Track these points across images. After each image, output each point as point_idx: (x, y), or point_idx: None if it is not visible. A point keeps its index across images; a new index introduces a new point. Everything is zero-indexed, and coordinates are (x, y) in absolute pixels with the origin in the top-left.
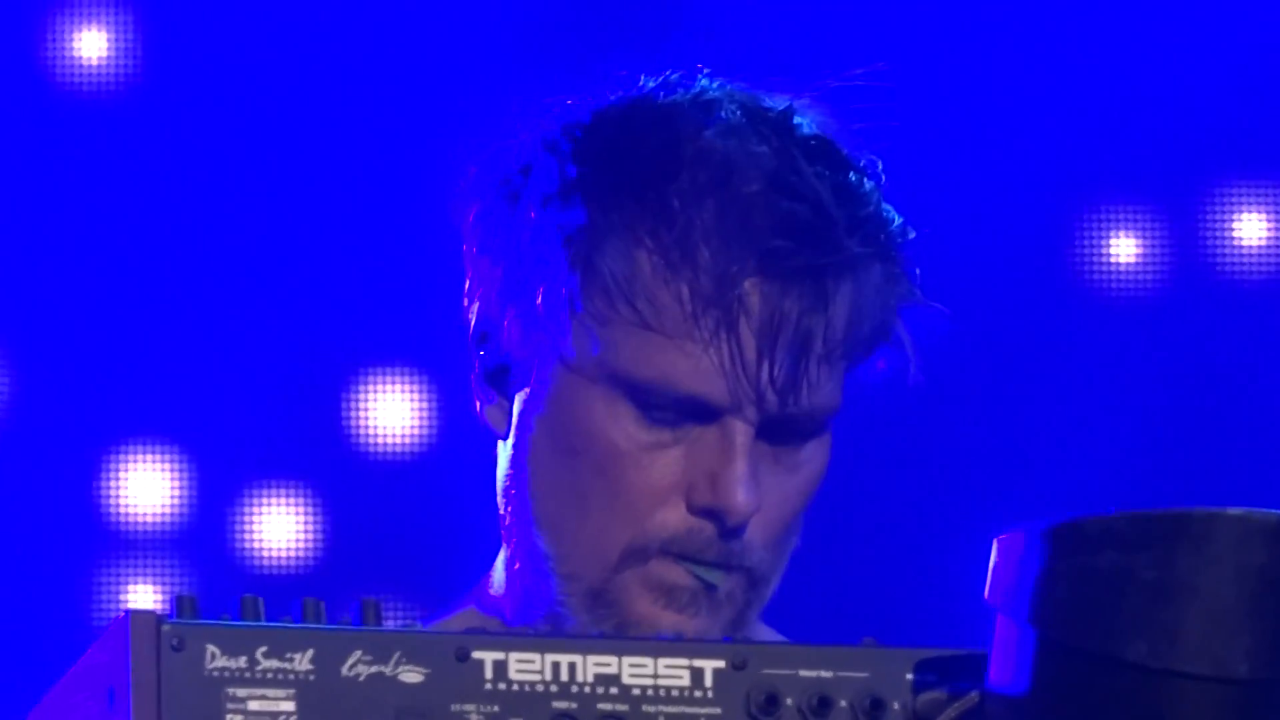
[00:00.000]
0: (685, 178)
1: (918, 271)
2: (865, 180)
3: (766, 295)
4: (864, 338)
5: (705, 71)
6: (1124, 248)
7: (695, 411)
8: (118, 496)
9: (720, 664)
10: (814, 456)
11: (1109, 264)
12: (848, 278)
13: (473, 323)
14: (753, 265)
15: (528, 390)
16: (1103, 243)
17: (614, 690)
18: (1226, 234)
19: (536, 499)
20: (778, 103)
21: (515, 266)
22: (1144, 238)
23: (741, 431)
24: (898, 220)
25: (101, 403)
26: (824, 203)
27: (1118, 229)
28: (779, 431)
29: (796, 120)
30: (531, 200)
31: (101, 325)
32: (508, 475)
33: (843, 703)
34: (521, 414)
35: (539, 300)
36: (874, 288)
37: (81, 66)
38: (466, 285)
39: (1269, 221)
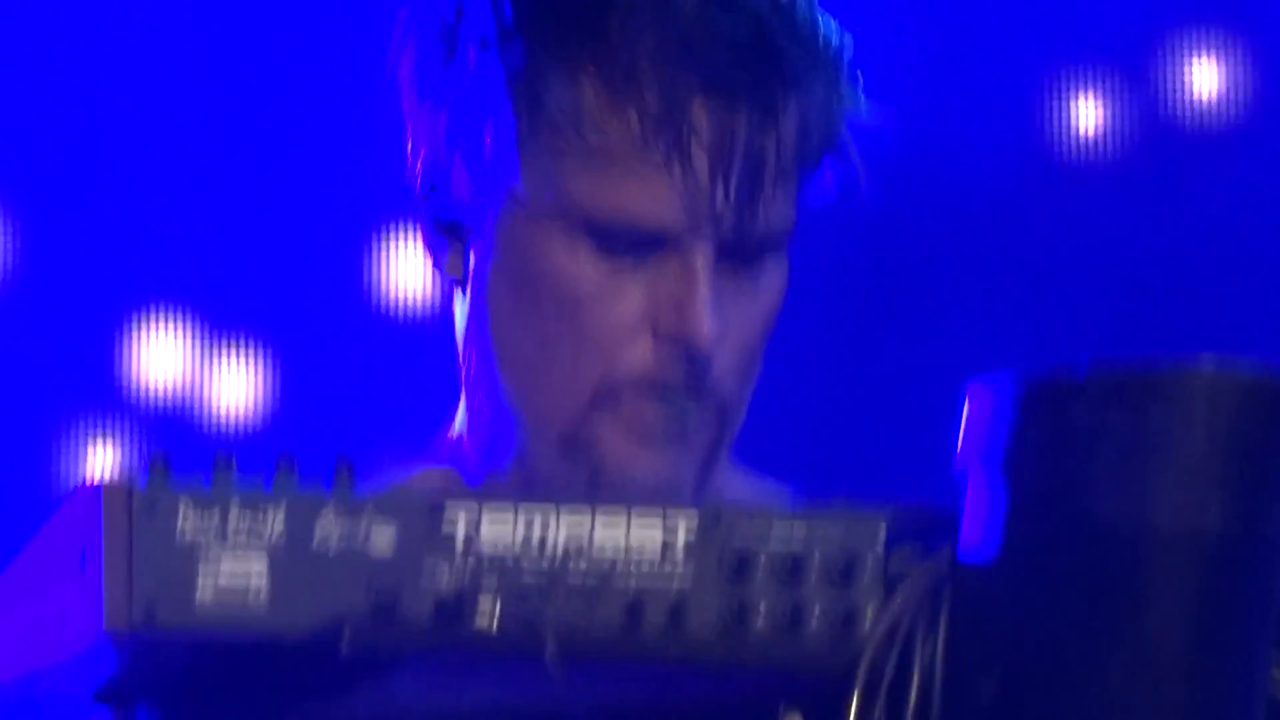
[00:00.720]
0: (622, 3)
1: (860, 80)
2: (819, 10)
3: (715, 114)
4: (813, 150)
5: None
6: (1087, 110)
7: (653, 240)
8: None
9: (690, 522)
10: (773, 280)
11: (1073, 129)
12: (793, 91)
13: (419, 176)
14: (698, 85)
15: (482, 238)
16: (1066, 105)
17: (584, 551)
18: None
19: (500, 346)
20: None
21: (458, 113)
22: (1104, 98)
23: (702, 254)
24: (838, 31)
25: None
26: (763, 17)
27: (1079, 90)
28: (737, 253)
29: None
30: (469, 43)
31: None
32: (468, 325)
33: (815, 563)
34: (478, 262)
35: (486, 144)
36: (819, 99)
37: None
38: (409, 139)
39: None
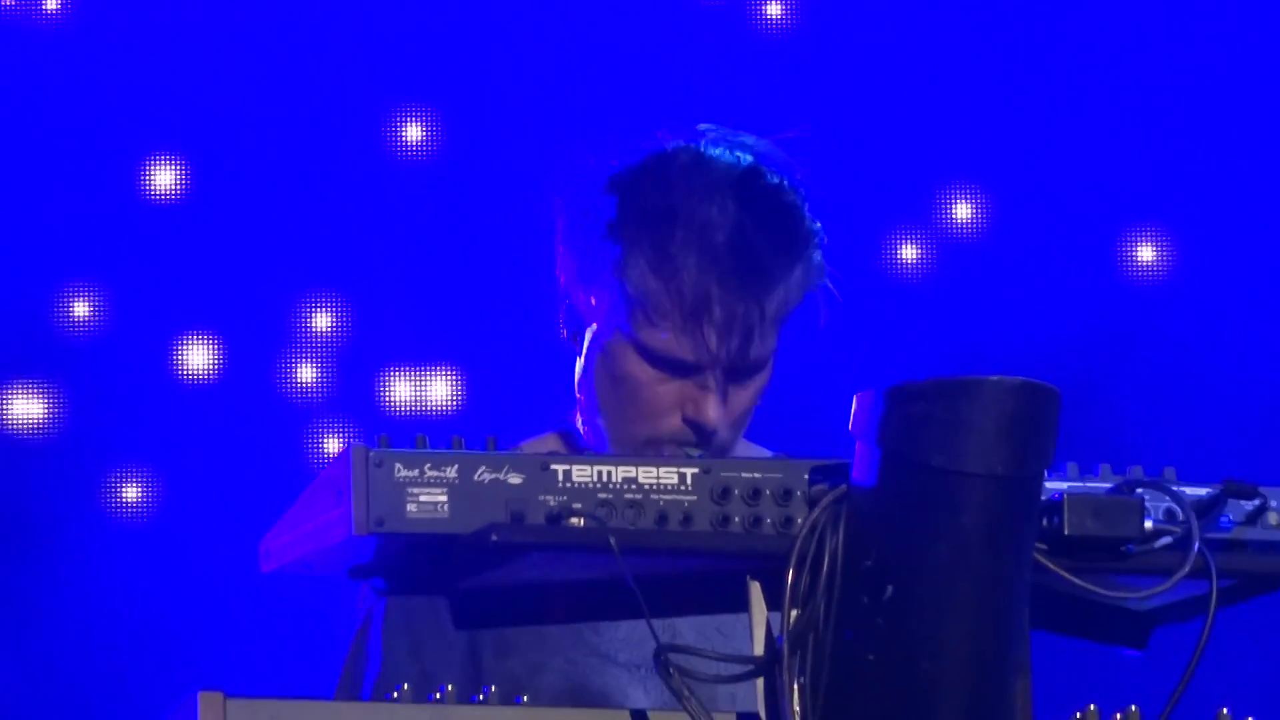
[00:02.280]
0: (680, 234)
1: (824, 264)
2: (801, 223)
3: (724, 305)
4: (787, 312)
5: (704, 130)
6: None
7: (684, 367)
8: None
9: (695, 470)
10: (758, 384)
11: None
12: (776, 288)
13: (561, 287)
14: (716, 290)
15: (591, 335)
16: None
17: (633, 485)
18: None
19: (598, 399)
20: (744, 160)
21: (580, 273)
22: None
23: (712, 378)
24: (817, 232)
25: None
26: (761, 253)
27: None
28: (735, 374)
29: (757, 178)
30: (591, 233)
31: None
32: (581, 379)
33: (767, 492)
34: (590, 346)
35: (593, 299)
36: (796, 283)
37: None
38: (557, 265)
39: None
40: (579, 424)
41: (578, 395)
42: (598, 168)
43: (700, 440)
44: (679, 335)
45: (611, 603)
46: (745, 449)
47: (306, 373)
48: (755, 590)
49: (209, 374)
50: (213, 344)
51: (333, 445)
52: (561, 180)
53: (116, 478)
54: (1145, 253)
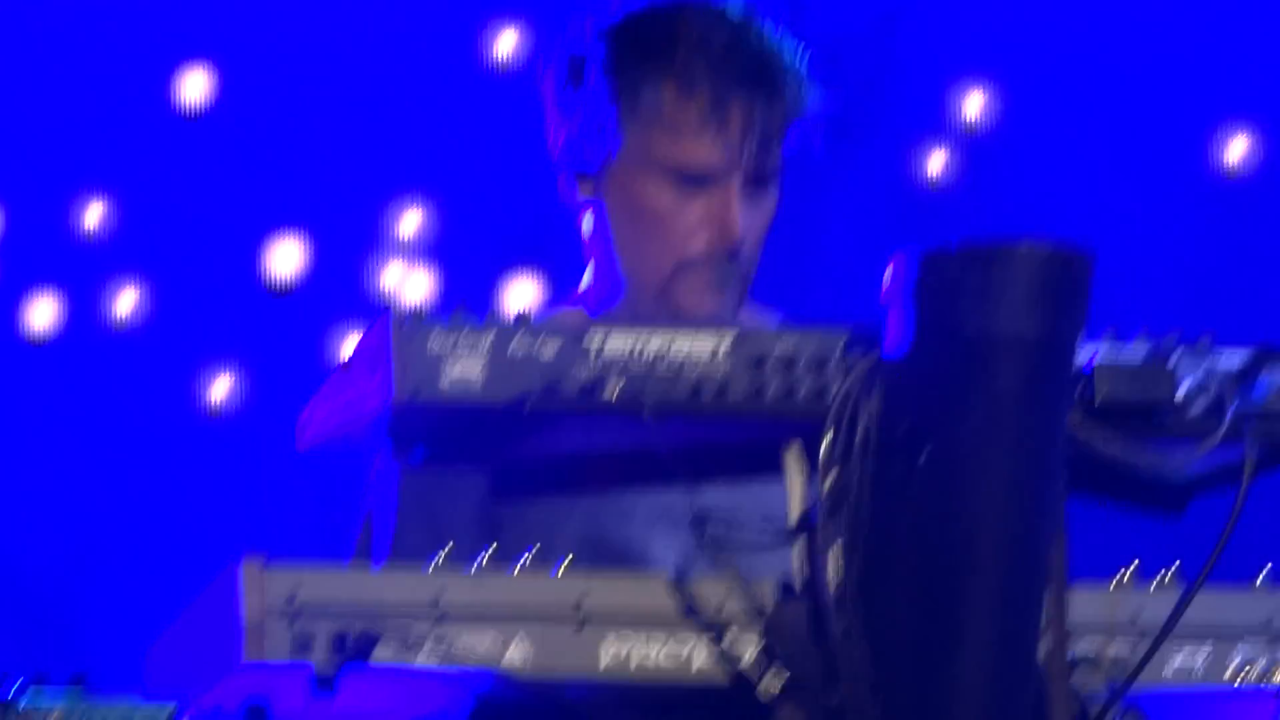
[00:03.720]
0: (699, 41)
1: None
2: (793, 45)
3: (740, 107)
4: (789, 123)
5: None
6: None
7: (705, 178)
8: None
9: (729, 339)
10: (770, 198)
11: None
12: (781, 93)
13: (559, 149)
14: (731, 91)
15: (607, 177)
16: None
17: (666, 356)
18: None
19: (618, 241)
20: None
21: (589, 111)
22: None
23: (733, 186)
24: (803, 53)
25: None
26: (765, 54)
27: None
28: (751, 184)
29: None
30: (592, 69)
31: None
32: (594, 229)
33: (802, 360)
34: (607, 190)
35: (607, 126)
36: (793, 94)
37: None
38: (550, 129)
39: None
40: (586, 289)
41: (588, 257)
42: (587, 25)
43: (729, 256)
44: (701, 140)
45: (646, 473)
46: (756, 312)
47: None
48: (792, 457)
49: (293, 279)
50: (300, 242)
51: None
52: (552, 46)
53: (204, 374)
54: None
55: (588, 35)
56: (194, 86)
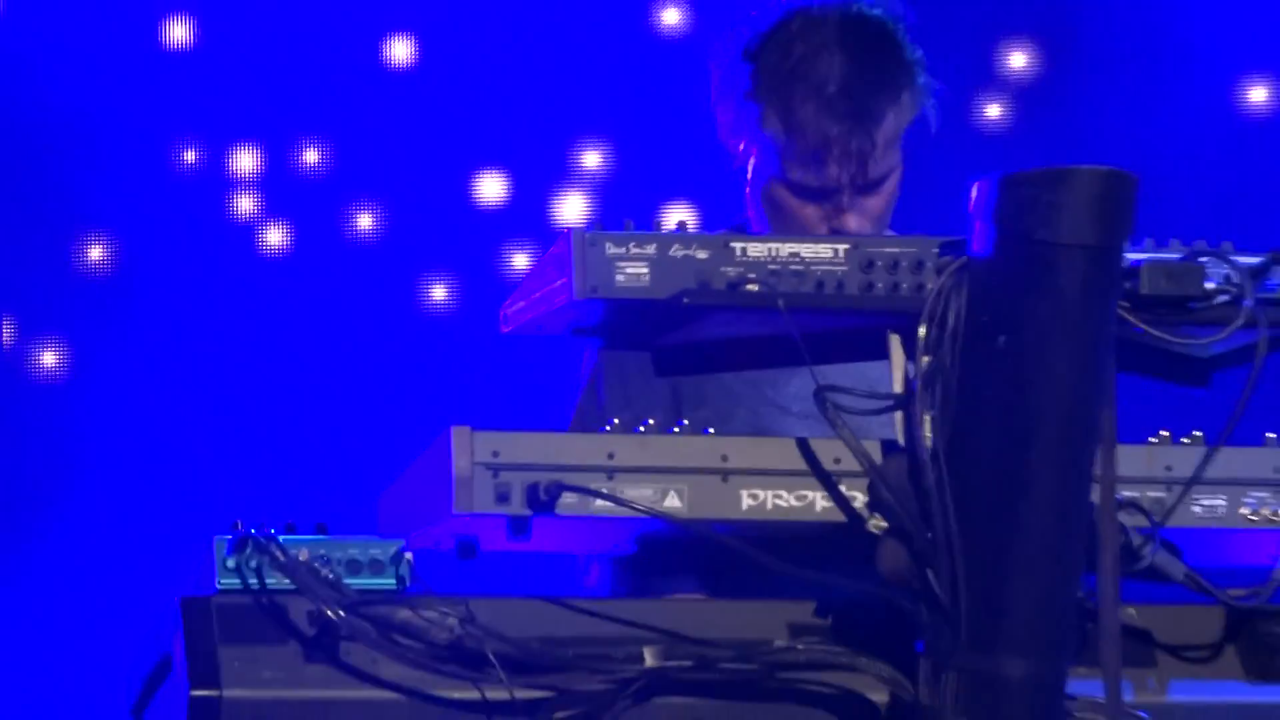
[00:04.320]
0: (800, 91)
1: (928, 85)
2: (901, 59)
3: (839, 143)
4: (899, 135)
5: None
6: None
7: (819, 194)
8: None
9: (845, 245)
10: (885, 190)
11: None
12: (885, 121)
13: (721, 135)
14: (833, 132)
15: (751, 169)
16: None
17: (797, 259)
18: None
19: (762, 218)
20: (850, 12)
21: (732, 127)
22: None
23: (845, 198)
24: (918, 60)
25: None
26: (866, 96)
27: None
28: (862, 190)
29: (862, 26)
30: (735, 97)
31: None
32: (749, 200)
33: (904, 263)
34: (751, 178)
35: (743, 146)
36: (901, 110)
37: None
38: (728, 140)
39: None
40: (743, 221)
41: (749, 213)
42: (736, 38)
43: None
44: (809, 170)
45: (779, 354)
46: None
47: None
48: (895, 341)
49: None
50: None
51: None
52: (712, 52)
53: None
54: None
55: (735, 50)
56: (401, 49)
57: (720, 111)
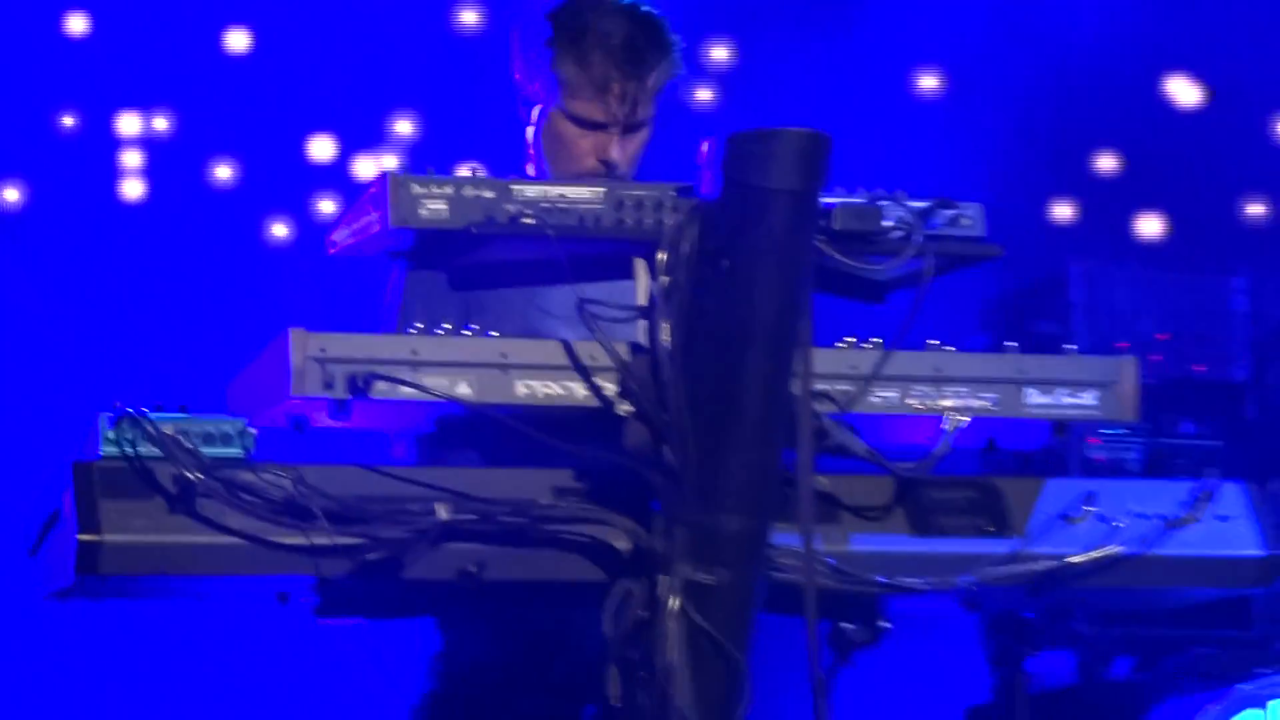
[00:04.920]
0: (590, 41)
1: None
2: (667, 34)
3: (620, 83)
4: (660, 90)
5: None
6: None
7: (597, 126)
8: None
9: (603, 189)
10: (641, 136)
11: None
12: (653, 73)
13: (518, 85)
14: (615, 74)
15: (538, 113)
16: None
17: (564, 198)
18: None
19: (543, 155)
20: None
21: (532, 72)
22: None
23: (614, 133)
24: (676, 41)
25: None
26: (642, 50)
27: None
28: (628, 130)
29: (638, 6)
30: (539, 45)
31: None
32: (533, 143)
33: (647, 203)
34: (538, 121)
35: (539, 87)
36: (663, 71)
37: None
38: (519, 79)
39: None
40: (530, 171)
41: (530, 153)
42: (539, 8)
43: (609, 173)
44: (592, 103)
45: (548, 274)
46: None
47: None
48: (640, 265)
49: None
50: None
51: None
52: (515, 23)
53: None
54: None
55: (539, 16)
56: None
57: (521, 63)
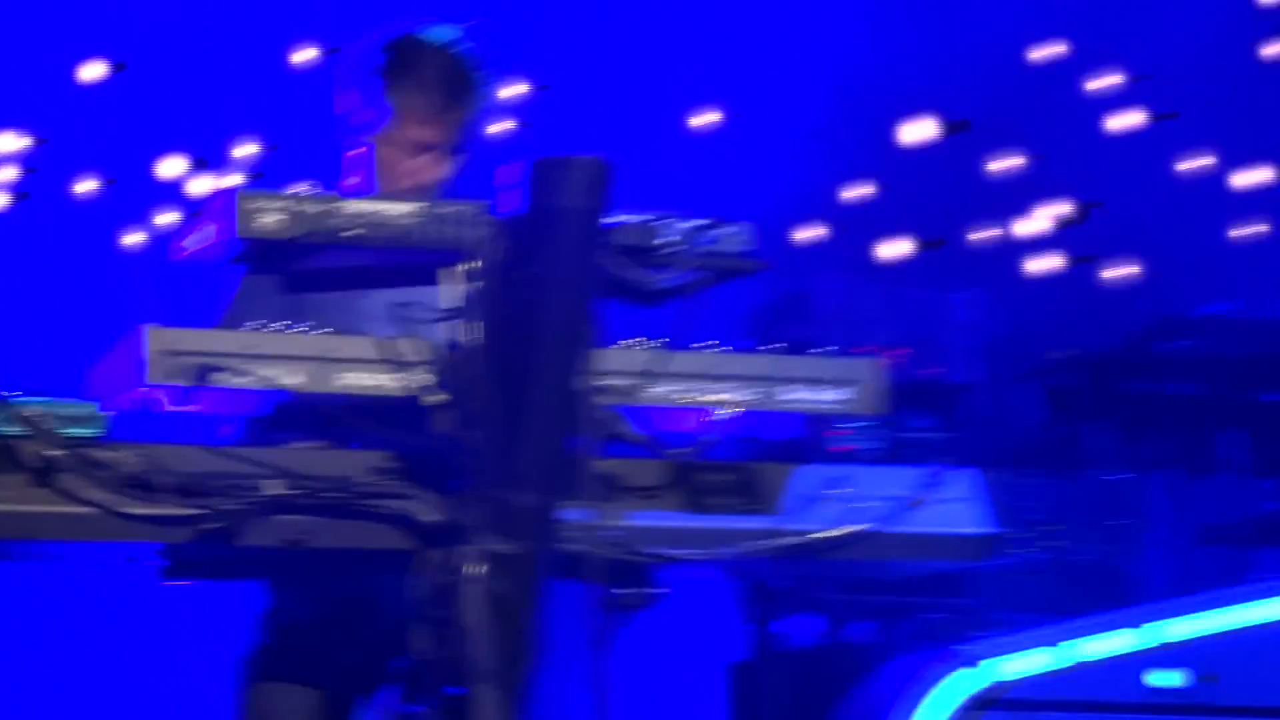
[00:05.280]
0: (428, 67)
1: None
2: (478, 71)
3: (441, 112)
4: (475, 117)
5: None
6: None
7: (422, 148)
8: None
9: (418, 206)
10: (460, 160)
11: None
12: (467, 106)
13: (352, 118)
14: (437, 104)
15: (368, 136)
16: None
17: (383, 216)
18: None
19: (375, 171)
20: (449, 38)
21: (366, 99)
22: None
23: (441, 154)
24: (485, 77)
25: None
26: (456, 87)
27: None
28: (452, 151)
29: (455, 48)
30: (373, 75)
31: None
32: (364, 158)
33: (459, 219)
34: (370, 145)
35: (373, 111)
36: (475, 102)
37: None
38: (351, 109)
39: None
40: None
41: (357, 172)
42: (373, 46)
43: (432, 191)
44: (423, 128)
45: (370, 279)
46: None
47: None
48: (451, 272)
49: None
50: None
51: None
52: (347, 53)
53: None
54: None
55: (369, 51)
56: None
57: (350, 94)
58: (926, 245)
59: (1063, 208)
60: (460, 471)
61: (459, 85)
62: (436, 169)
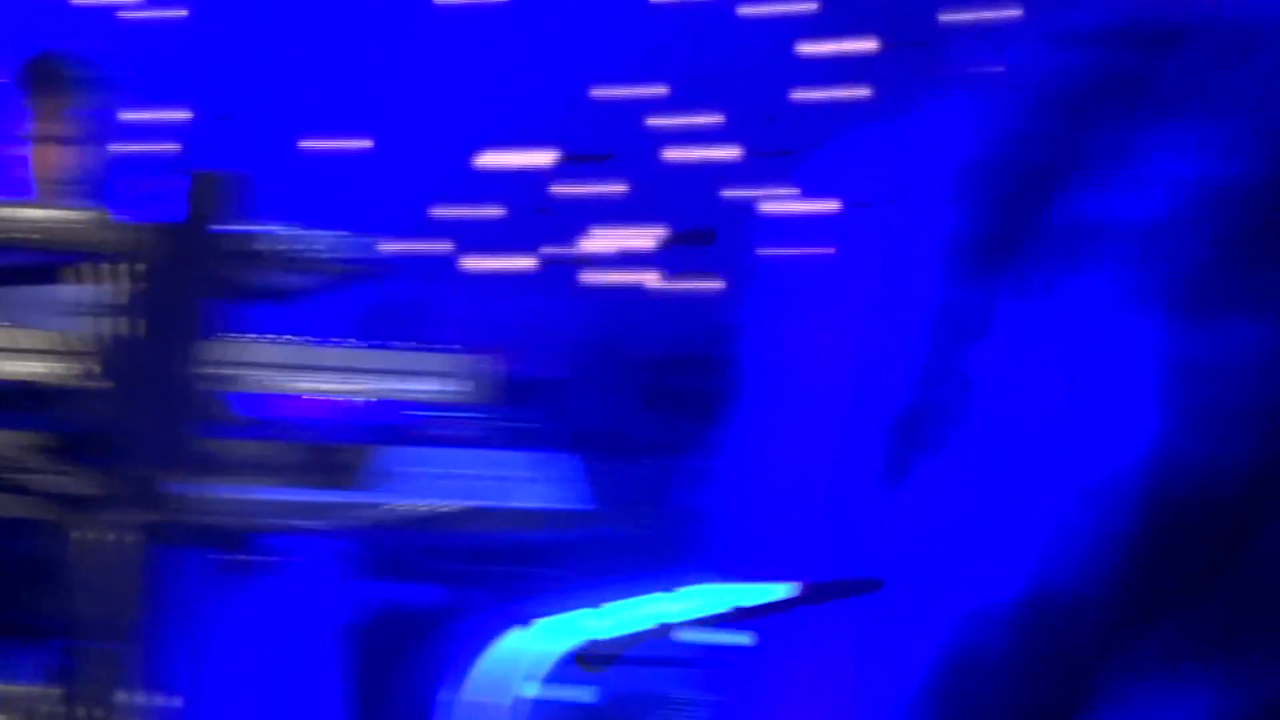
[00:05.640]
0: (38, 75)
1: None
2: (79, 67)
3: (57, 101)
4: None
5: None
6: None
7: (49, 141)
8: None
9: (61, 213)
10: (83, 149)
11: None
12: (75, 96)
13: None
14: (56, 98)
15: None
16: None
17: (32, 220)
18: None
19: (28, 168)
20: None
21: (19, 110)
22: None
23: (58, 146)
24: (85, 75)
25: None
26: (63, 78)
27: None
28: (65, 141)
29: (64, 54)
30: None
31: None
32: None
33: (95, 224)
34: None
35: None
36: (85, 97)
37: None
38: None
39: None
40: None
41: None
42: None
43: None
44: (42, 123)
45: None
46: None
47: None
48: (92, 269)
49: None
50: None
51: None
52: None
53: None
54: None
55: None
56: None
57: (12, 105)
58: (546, 260)
59: (657, 230)
60: (106, 449)
61: (67, 82)
62: (65, 159)
